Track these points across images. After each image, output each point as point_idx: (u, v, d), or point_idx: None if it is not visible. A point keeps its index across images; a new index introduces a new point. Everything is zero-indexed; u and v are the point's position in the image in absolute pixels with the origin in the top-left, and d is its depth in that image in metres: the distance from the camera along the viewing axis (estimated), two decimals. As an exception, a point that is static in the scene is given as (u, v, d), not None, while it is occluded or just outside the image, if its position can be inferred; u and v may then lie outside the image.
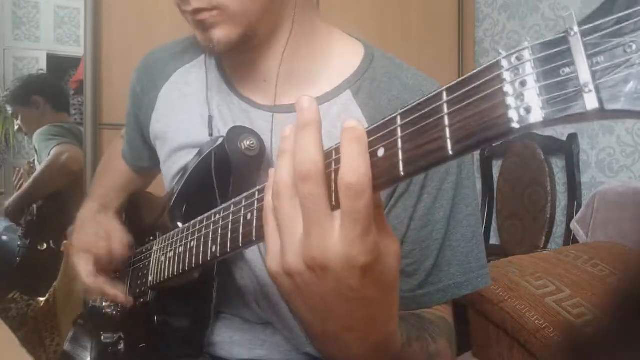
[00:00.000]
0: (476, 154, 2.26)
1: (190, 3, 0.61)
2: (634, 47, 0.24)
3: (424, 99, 0.33)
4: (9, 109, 2.30)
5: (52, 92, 2.27)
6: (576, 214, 1.78)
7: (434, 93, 0.32)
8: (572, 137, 1.89)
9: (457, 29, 2.28)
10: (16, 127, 2.38)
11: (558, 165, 1.97)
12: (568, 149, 1.89)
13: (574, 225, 1.73)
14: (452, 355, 0.60)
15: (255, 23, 0.63)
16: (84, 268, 0.74)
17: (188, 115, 0.75)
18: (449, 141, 0.30)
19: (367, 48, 0.70)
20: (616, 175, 1.82)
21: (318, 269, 0.35)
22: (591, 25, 0.26)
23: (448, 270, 0.63)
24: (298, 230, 0.36)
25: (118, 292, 0.73)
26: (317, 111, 0.36)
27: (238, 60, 0.71)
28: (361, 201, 0.33)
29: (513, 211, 2.00)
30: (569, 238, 1.82)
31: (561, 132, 1.97)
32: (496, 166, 2.18)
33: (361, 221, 0.33)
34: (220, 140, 0.65)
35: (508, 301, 1.16)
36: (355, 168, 0.33)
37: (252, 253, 0.69)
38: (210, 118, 0.72)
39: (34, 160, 2.35)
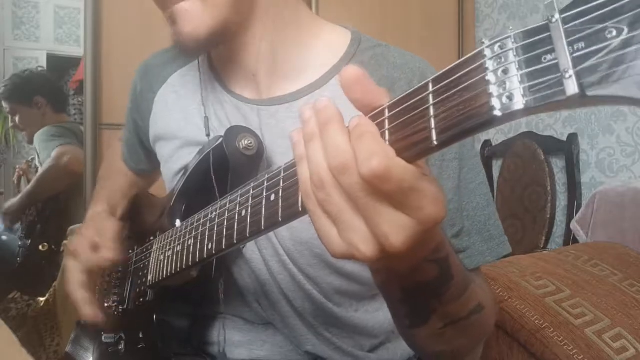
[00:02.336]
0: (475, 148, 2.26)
1: None
2: (614, 32, 0.24)
3: (412, 90, 0.33)
4: (5, 105, 2.25)
5: (53, 93, 2.26)
6: (576, 214, 1.78)
7: (421, 84, 0.32)
8: (572, 137, 1.89)
9: (457, 29, 2.29)
10: (11, 124, 2.33)
11: (558, 165, 1.97)
12: (568, 149, 1.89)
13: (574, 225, 1.73)
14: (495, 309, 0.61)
15: (227, 17, 0.62)
16: (72, 276, 0.73)
17: (186, 116, 0.75)
18: (433, 132, 0.31)
19: (353, 33, 0.70)
20: (616, 175, 1.82)
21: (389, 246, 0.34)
22: (572, 12, 0.26)
23: (469, 239, 0.63)
24: (354, 217, 0.34)
25: (91, 313, 0.71)
26: (334, 107, 0.35)
27: (226, 56, 0.71)
28: (390, 182, 0.32)
29: (513, 211, 2.00)
30: (569, 238, 1.82)
31: (561, 132, 1.97)
32: (496, 166, 2.18)
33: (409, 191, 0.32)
34: (220, 140, 0.65)
35: (508, 301, 1.15)
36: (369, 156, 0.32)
37: (251, 252, 0.69)
38: (207, 119, 0.72)
39: (32, 159, 2.35)
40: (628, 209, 1.56)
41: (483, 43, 0.29)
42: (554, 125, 2.01)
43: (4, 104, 2.27)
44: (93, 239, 0.74)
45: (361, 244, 0.34)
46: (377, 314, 0.73)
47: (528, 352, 1.10)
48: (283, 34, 0.67)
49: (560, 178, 1.97)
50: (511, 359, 1.14)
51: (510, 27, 0.28)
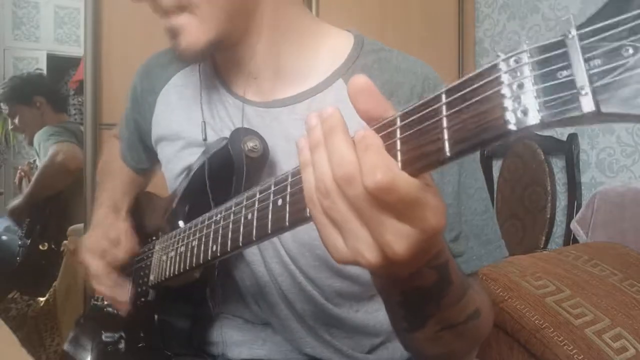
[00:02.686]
0: (476, 152, 2.25)
1: (161, 3, 0.62)
2: (630, 50, 0.24)
3: (424, 100, 0.33)
4: (4, 107, 2.27)
5: (52, 92, 2.27)
6: (576, 214, 1.78)
7: (434, 95, 0.32)
8: (572, 137, 1.89)
9: (457, 29, 2.28)
10: (11, 127, 2.34)
11: (558, 165, 1.97)
12: (568, 149, 1.89)
13: (574, 225, 1.73)
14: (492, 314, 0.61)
15: (224, 29, 0.63)
16: (95, 270, 0.74)
17: (188, 116, 0.75)
18: (446, 143, 0.31)
19: (356, 37, 0.70)
20: (616, 175, 1.82)
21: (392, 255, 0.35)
22: (589, 28, 0.26)
23: (466, 244, 0.63)
24: (358, 226, 0.35)
25: (123, 298, 0.73)
26: (339, 116, 0.36)
27: (227, 60, 0.71)
28: (394, 194, 0.32)
29: (513, 211, 2.00)
30: (569, 238, 1.82)
31: (561, 132, 1.97)
32: (496, 166, 2.18)
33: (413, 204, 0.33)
34: (225, 141, 0.65)
35: (508, 301, 1.16)
36: (373, 170, 0.33)
37: (252, 255, 0.69)
38: (204, 124, 0.72)
39: (34, 160, 2.35)
40: (628, 209, 1.56)
41: (498, 56, 0.29)
42: (554, 125, 2.01)
43: (3, 106, 2.27)
44: (109, 237, 0.76)
45: (366, 252, 0.35)
46: (378, 314, 0.73)
47: (528, 352, 1.10)
48: (285, 39, 0.67)
49: (560, 178, 1.97)
50: (511, 359, 1.14)
51: (527, 42, 0.28)
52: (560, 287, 1.20)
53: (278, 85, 0.69)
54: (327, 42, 0.69)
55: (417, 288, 0.45)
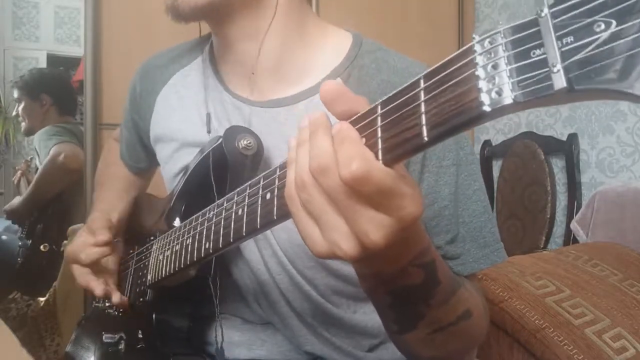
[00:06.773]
0: (476, 152, 2.26)
1: None
2: (602, 26, 0.24)
3: (403, 87, 0.33)
4: (15, 93, 2.31)
5: (61, 95, 2.27)
6: (576, 214, 1.78)
7: (413, 81, 0.32)
8: (572, 137, 1.89)
9: (457, 29, 2.28)
10: (14, 113, 2.38)
11: (558, 165, 1.97)
12: (568, 149, 1.89)
13: (574, 225, 1.73)
14: (486, 313, 0.61)
15: None
16: (79, 273, 0.76)
17: (186, 117, 0.75)
18: (424, 128, 0.31)
19: (355, 36, 0.70)
20: (616, 175, 1.82)
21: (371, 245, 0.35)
22: (561, 6, 0.25)
23: (463, 246, 0.62)
24: (335, 217, 0.36)
25: (101, 294, 0.74)
26: (325, 117, 0.37)
27: (227, 47, 0.70)
28: (368, 185, 0.33)
29: (513, 211, 2.00)
30: (569, 238, 1.82)
31: (561, 132, 1.97)
32: (496, 166, 2.18)
33: (388, 192, 0.34)
34: (219, 140, 0.65)
35: (508, 301, 1.15)
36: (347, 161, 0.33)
37: (251, 253, 0.69)
38: (209, 115, 0.72)
39: (31, 158, 2.36)
40: (628, 209, 1.56)
41: (474, 38, 0.29)
42: (554, 125, 2.01)
43: (15, 92, 2.31)
44: (85, 241, 0.76)
45: (343, 242, 0.36)
46: (375, 315, 0.73)
47: (528, 352, 1.10)
48: (290, 35, 0.67)
49: (560, 178, 1.96)
50: (511, 359, 1.14)
51: (500, 22, 0.28)
52: (560, 287, 1.19)
53: (277, 83, 0.68)
54: (327, 41, 0.69)
55: (404, 288, 0.45)
